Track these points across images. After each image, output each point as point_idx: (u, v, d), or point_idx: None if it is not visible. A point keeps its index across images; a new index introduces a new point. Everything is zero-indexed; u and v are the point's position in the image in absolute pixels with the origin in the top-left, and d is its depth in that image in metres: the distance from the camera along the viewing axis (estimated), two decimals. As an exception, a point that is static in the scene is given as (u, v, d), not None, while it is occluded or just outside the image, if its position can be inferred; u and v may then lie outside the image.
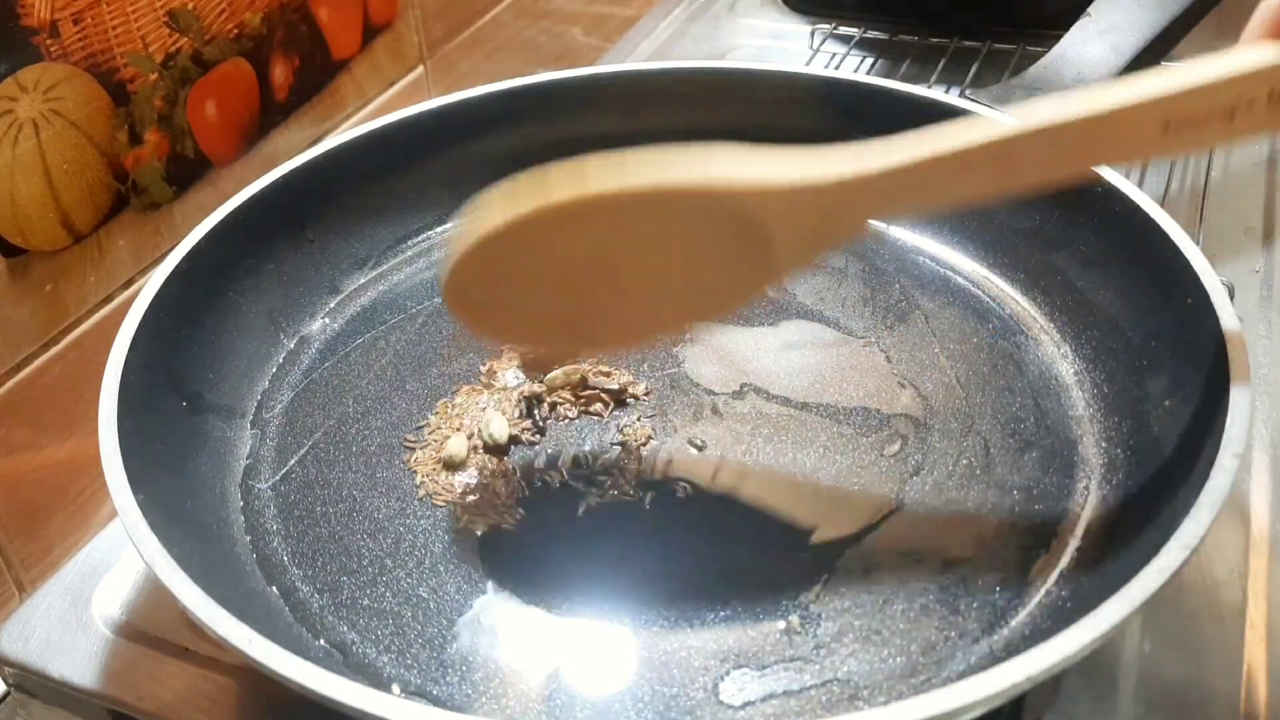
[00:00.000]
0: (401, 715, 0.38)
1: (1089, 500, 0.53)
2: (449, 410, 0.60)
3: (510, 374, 0.61)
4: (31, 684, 0.52)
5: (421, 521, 0.54)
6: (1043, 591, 0.49)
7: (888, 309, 0.65)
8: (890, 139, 0.44)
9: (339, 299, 0.68)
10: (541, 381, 0.60)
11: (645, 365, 0.62)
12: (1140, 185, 0.66)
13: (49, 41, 0.57)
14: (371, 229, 0.70)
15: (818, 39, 0.99)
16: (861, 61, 0.95)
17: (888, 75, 0.91)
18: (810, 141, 0.44)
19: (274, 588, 0.51)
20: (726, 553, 0.52)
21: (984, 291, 0.65)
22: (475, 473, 0.56)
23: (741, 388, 0.60)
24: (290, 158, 0.66)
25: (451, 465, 0.56)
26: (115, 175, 0.62)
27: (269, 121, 0.72)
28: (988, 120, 0.44)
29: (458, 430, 0.58)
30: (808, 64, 0.95)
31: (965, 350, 0.62)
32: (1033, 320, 0.63)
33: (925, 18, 0.97)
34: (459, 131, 0.71)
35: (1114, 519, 0.51)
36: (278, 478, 0.57)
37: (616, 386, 0.60)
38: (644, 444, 0.57)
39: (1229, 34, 0.45)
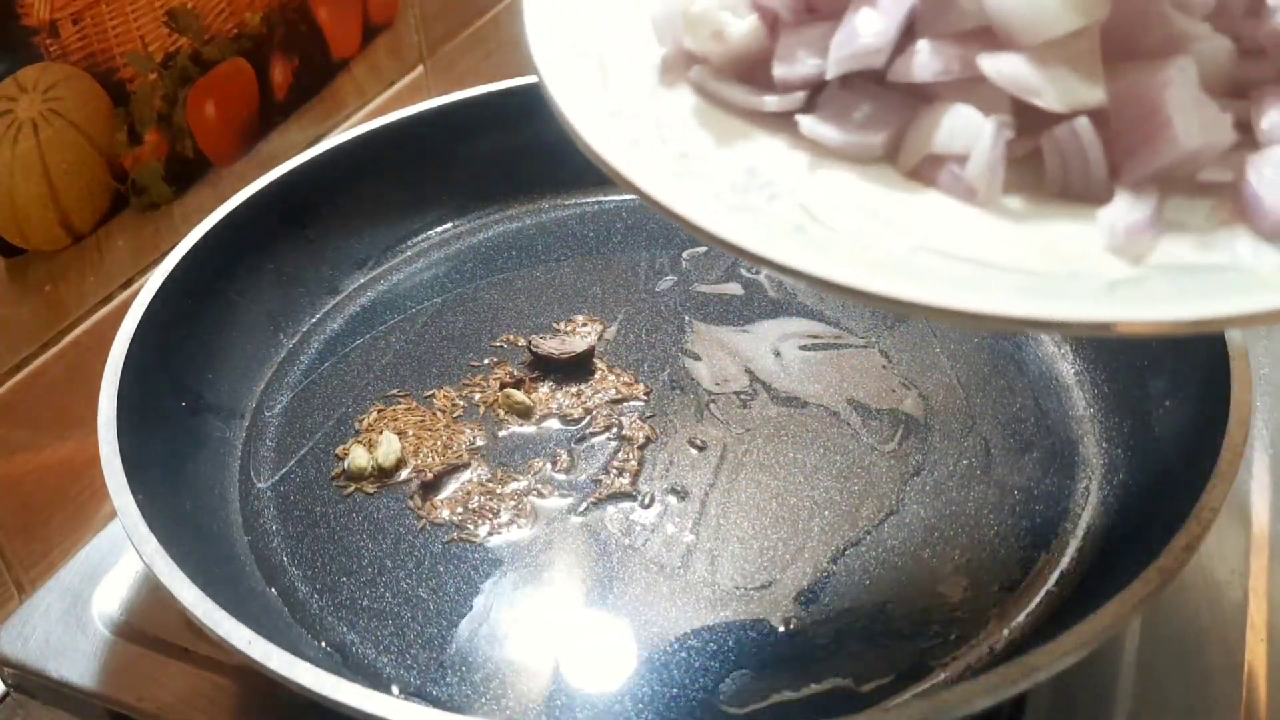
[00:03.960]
0: (401, 716, 0.38)
1: (1089, 500, 0.53)
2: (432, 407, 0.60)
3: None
4: (31, 684, 0.52)
5: (421, 521, 0.54)
6: (1043, 591, 0.49)
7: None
8: None
9: (339, 299, 0.68)
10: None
11: (645, 365, 0.62)
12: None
13: (49, 41, 0.57)
14: (371, 229, 0.70)
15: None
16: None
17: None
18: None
19: (273, 588, 0.51)
20: (726, 552, 0.52)
21: (984, 291, 0.65)
22: (461, 483, 0.56)
23: (742, 388, 0.60)
24: (290, 158, 0.66)
25: (356, 476, 0.56)
26: (115, 175, 0.62)
27: (269, 121, 0.72)
28: None
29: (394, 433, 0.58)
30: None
31: (965, 350, 0.61)
32: (1033, 320, 0.63)
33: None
34: (459, 131, 0.71)
35: (1114, 519, 0.51)
36: (277, 478, 0.57)
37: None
38: (644, 444, 0.57)
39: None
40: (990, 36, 0.34)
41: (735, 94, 0.37)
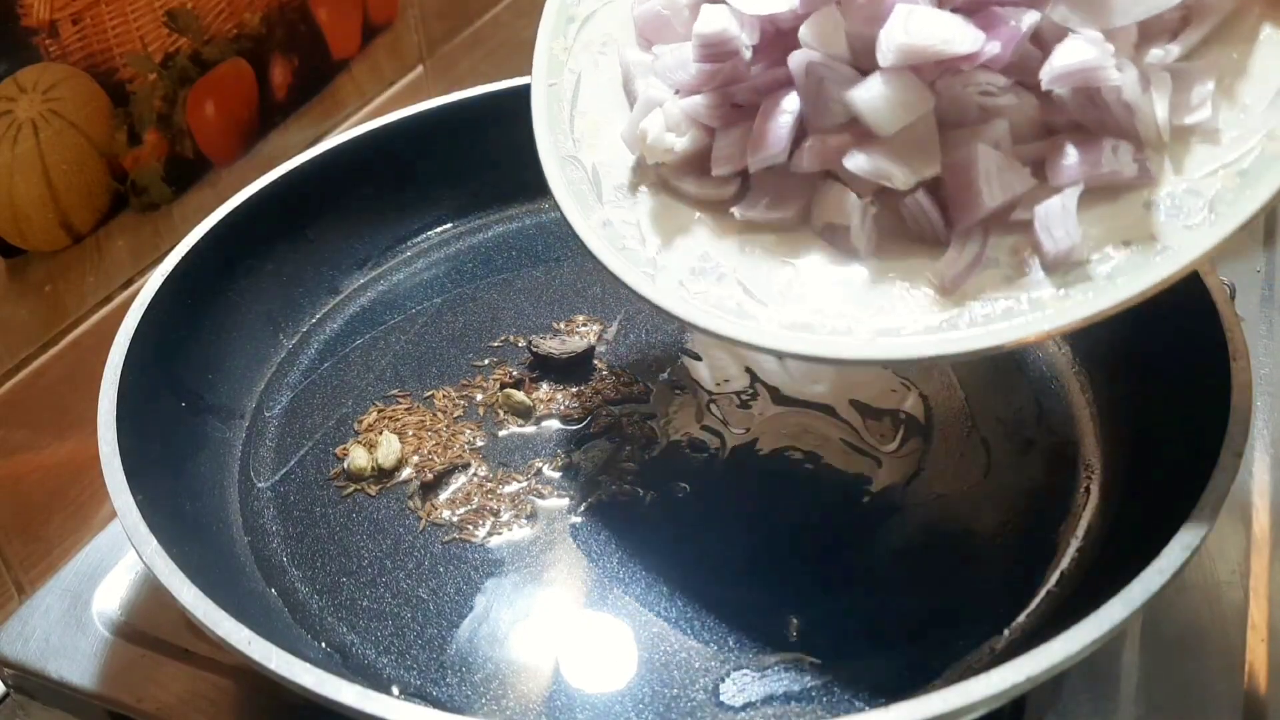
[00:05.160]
0: (401, 716, 0.38)
1: (1089, 500, 0.53)
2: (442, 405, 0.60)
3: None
4: (31, 685, 0.52)
5: (421, 521, 0.54)
6: (1043, 591, 0.49)
7: (888, 309, 0.65)
8: None
9: (339, 299, 0.68)
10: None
11: (645, 365, 0.62)
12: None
13: (48, 42, 0.57)
14: (371, 229, 0.70)
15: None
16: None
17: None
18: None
19: (273, 589, 0.51)
20: (727, 552, 0.52)
21: (984, 291, 0.65)
22: (462, 483, 0.56)
23: (742, 388, 0.60)
24: (290, 158, 0.66)
25: (356, 477, 0.56)
26: (114, 176, 0.62)
27: (269, 121, 0.72)
28: None
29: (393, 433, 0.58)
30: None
31: (965, 350, 0.61)
32: (1033, 320, 0.63)
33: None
34: (459, 131, 0.71)
35: (1114, 519, 0.51)
36: (277, 478, 0.57)
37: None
38: (644, 444, 0.57)
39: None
40: (860, 125, 0.44)
41: (688, 187, 0.49)
